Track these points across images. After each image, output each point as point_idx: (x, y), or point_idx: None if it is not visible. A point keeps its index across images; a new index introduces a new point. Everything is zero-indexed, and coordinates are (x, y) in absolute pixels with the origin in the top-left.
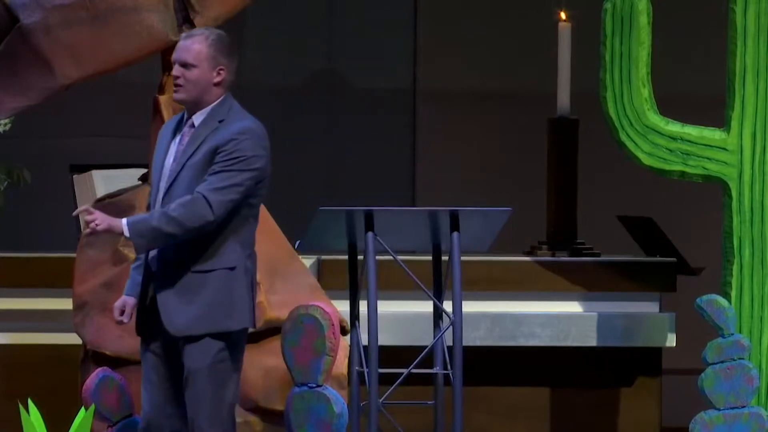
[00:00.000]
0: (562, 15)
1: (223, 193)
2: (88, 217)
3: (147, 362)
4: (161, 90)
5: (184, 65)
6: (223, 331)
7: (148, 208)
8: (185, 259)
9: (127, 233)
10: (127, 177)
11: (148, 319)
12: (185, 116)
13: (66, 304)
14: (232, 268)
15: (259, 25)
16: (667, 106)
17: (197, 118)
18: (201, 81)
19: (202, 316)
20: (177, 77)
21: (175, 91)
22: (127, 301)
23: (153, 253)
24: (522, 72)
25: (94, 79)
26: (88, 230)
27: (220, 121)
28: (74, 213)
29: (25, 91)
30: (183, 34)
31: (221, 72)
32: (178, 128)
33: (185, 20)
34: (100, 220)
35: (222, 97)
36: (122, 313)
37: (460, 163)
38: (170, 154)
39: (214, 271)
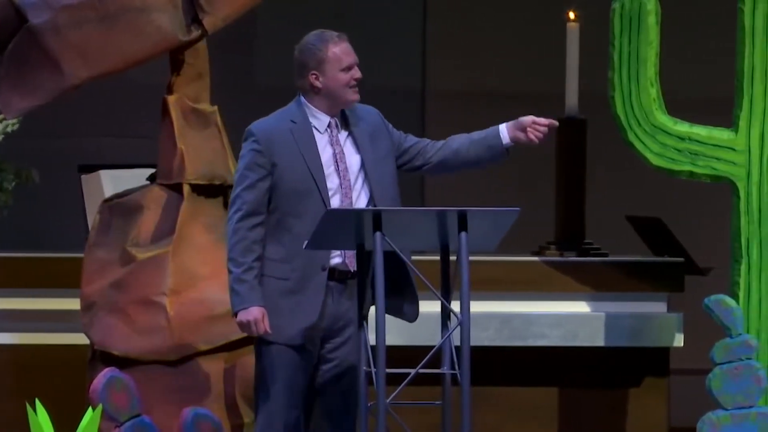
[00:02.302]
0: (571, 15)
1: None
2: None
3: (291, 364)
4: (170, 90)
5: (358, 65)
6: None
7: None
8: None
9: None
10: (135, 177)
11: (303, 319)
12: (312, 117)
13: (74, 304)
14: None
15: (267, 25)
16: (675, 106)
17: (352, 118)
18: None
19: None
20: (360, 77)
21: (356, 92)
22: (264, 311)
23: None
24: (530, 72)
25: (103, 79)
26: None
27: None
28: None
29: (33, 91)
30: (333, 40)
31: None
32: (299, 129)
33: (193, 20)
34: None
35: None
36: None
37: None
38: (325, 157)
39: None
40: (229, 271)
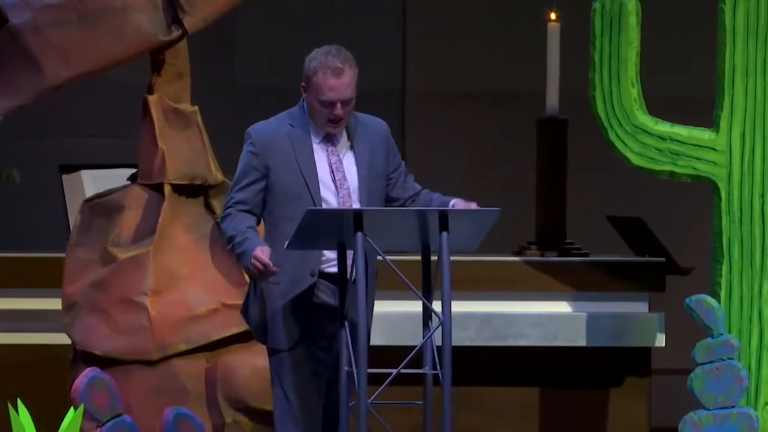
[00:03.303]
0: (552, 15)
1: None
2: None
3: (295, 369)
4: (150, 90)
5: (347, 102)
6: None
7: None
8: None
9: None
10: (116, 177)
11: (297, 323)
12: (310, 124)
13: (56, 304)
14: None
15: (247, 25)
16: (656, 106)
17: (358, 127)
18: None
19: None
20: (339, 116)
21: (335, 126)
22: (265, 249)
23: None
24: (511, 72)
25: (83, 79)
26: None
27: (355, 123)
28: None
29: (14, 92)
30: (327, 70)
31: None
32: (297, 134)
33: (174, 20)
34: None
35: None
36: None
37: (450, 163)
38: (321, 164)
39: None
40: (230, 250)
